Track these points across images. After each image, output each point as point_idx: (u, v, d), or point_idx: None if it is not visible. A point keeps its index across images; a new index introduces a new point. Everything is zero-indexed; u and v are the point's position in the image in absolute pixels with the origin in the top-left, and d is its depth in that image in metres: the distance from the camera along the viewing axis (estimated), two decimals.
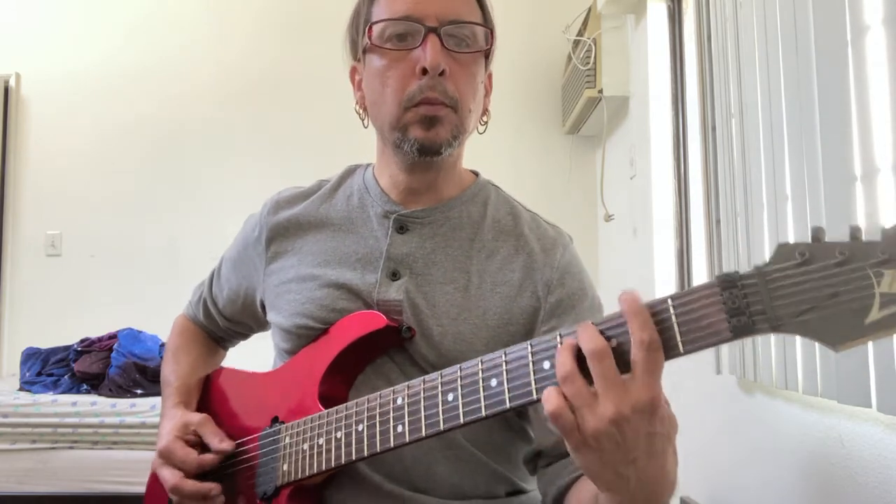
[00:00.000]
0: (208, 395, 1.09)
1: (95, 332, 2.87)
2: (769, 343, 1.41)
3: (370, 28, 0.90)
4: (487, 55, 0.95)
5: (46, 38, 3.51)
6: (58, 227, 3.44)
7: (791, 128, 1.32)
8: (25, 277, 3.43)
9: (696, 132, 2.11)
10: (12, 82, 3.48)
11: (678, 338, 0.58)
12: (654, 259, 2.29)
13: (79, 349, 2.80)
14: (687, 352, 0.58)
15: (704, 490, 1.79)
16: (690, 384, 1.90)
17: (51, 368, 2.79)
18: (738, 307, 0.55)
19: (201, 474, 0.94)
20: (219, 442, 0.95)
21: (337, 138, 3.10)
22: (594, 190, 3.15)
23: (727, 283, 0.56)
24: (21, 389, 2.72)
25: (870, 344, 1.05)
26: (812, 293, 0.52)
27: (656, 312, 0.59)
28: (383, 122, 0.93)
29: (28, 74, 3.51)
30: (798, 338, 0.58)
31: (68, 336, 2.88)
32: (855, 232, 0.52)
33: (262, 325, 1.13)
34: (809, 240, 0.54)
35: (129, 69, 3.47)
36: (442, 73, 0.87)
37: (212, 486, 0.91)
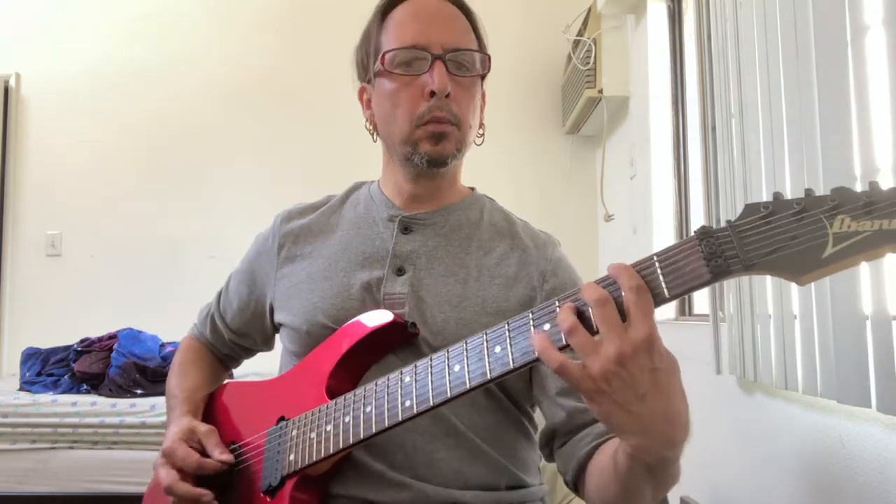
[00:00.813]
0: (214, 409, 1.10)
1: (95, 332, 2.87)
2: (769, 343, 1.41)
3: (383, 57, 1.00)
4: (483, 78, 1.06)
5: (46, 38, 3.51)
6: (58, 227, 3.44)
7: (791, 128, 1.32)
8: (25, 277, 3.43)
9: (696, 132, 2.11)
10: (12, 82, 3.48)
11: (663, 285, 0.66)
12: None
13: (79, 349, 2.80)
14: (673, 296, 0.66)
15: (704, 490, 1.79)
16: (690, 384, 1.89)
17: (51, 368, 2.79)
18: (714, 252, 0.64)
19: (200, 480, 0.95)
20: (219, 454, 0.96)
21: (337, 139, 3.11)
22: (594, 190, 3.15)
23: (703, 235, 0.64)
24: (21, 389, 2.72)
25: (870, 344, 1.05)
26: (776, 237, 0.62)
27: (644, 268, 0.67)
28: (394, 138, 1.02)
29: (28, 74, 3.51)
30: (768, 276, 0.62)
31: (68, 336, 2.88)
32: (809, 191, 0.62)
33: (267, 340, 1.18)
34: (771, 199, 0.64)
35: (129, 69, 3.47)
36: (447, 96, 0.97)
37: (204, 492, 0.92)
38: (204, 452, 0.97)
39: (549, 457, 0.97)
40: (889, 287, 1.02)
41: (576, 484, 0.91)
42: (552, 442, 0.95)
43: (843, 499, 1.19)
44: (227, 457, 0.96)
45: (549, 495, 1.14)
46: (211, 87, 3.46)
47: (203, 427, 1.00)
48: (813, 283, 0.65)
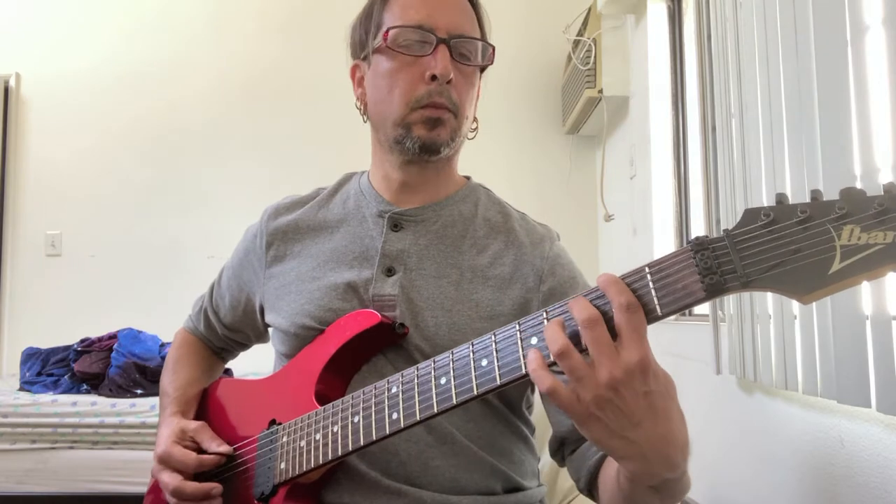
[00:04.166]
0: (207, 406, 1.09)
1: (95, 332, 2.87)
2: (769, 343, 1.41)
3: (386, 33, 0.96)
4: (483, 69, 1.03)
5: (46, 38, 3.52)
6: (58, 227, 3.45)
7: (791, 128, 1.32)
8: (25, 277, 3.44)
9: (696, 132, 2.11)
10: (12, 82, 3.49)
11: (655, 301, 0.61)
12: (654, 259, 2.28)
13: (79, 349, 2.80)
14: (665, 314, 0.61)
15: (704, 490, 1.79)
16: (690, 384, 1.89)
17: (51, 368, 2.79)
18: (709, 267, 0.58)
19: (199, 476, 0.95)
20: (217, 446, 0.96)
21: (336, 139, 3.11)
22: (594, 190, 3.15)
23: (698, 247, 0.59)
24: (21, 389, 2.72)
25: (870, 344, 1.05)
26: (777, 250, 0.56)
27: (634, 281, 0.62)
28: (386, 118, 0.97)
29: (28, 74, 3.51)
30: (770, 294, 0.60)
31: (68, 336, 2.89)
32: (815, 193, 0.56)
33: (260, 335, 1.16)
34: (774, 203, 0.58)
35: (129, 69, 3.47)
36: (449, 82, 0.94)
37: (213, 485, 0.92)
38: (198, 450, 0.97)
39: (561, 462, 0.95)
40: (889, 287, 1.02)
41: (590, 491, 0.89)
42: (562, 449, 0.94)
43: (843, 499, 1.19)
44: (224, 448, 0.96)
45: (548, 496, 1.14)
46: (211, 87, 3.46)
47: (193, 424, 1.00)
48: None
